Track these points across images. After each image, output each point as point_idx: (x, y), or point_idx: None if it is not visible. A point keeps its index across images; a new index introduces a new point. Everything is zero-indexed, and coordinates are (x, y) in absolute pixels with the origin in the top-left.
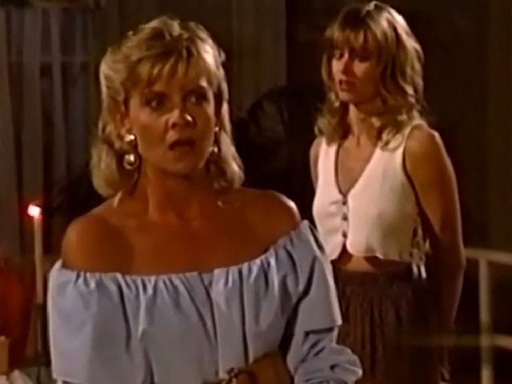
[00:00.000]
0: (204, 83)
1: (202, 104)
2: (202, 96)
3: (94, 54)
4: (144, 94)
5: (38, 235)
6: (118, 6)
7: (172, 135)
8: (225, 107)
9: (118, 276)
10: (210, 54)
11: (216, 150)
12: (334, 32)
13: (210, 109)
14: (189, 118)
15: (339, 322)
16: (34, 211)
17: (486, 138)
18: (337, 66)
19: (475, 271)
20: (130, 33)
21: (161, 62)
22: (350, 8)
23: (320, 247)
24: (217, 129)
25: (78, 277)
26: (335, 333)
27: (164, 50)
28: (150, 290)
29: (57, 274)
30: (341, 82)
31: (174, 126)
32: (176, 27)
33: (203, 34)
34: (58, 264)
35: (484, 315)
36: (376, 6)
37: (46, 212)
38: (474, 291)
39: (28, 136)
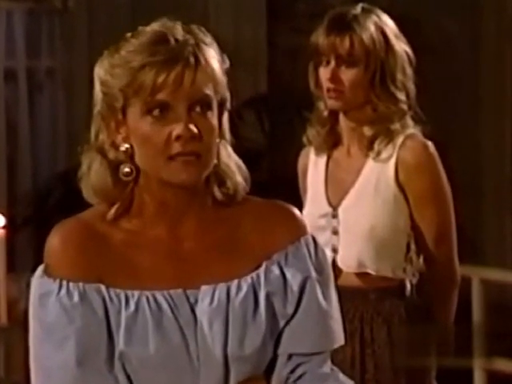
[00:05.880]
0: (210, 92)
1: (206, 114)
2: (207, 105)
3: (61, 59)
4: (146, 103)
5: (1, 252)
6: (86, 7)
7: (175, 147)
8: (225, 116)
9: (102, 288)
10: (216, 60)
11: (216, 161)
12: (319, 38)
13: (214, 119)
14: (195, 130)
15: (332, 346)
16: None
17: (479, 151)
18: (324, 73)
19: (468, 289)
20: (129, 35)
21: (166, 69)
22: (335, 12)
23: (320, 265)
24: (217, 139)
25: (60, 287)
26: (325, 357)
27: (169, 56)
28: (132, 307)
29: (39, 282)
30: (328, 89)
31: (178, 138)
32: (180, 31)
33: (208, 39)
34: (40, 270)
35: (477, 336)
36: (363, 9)
37: (9, 227)
38: (467, 310)
39: None
